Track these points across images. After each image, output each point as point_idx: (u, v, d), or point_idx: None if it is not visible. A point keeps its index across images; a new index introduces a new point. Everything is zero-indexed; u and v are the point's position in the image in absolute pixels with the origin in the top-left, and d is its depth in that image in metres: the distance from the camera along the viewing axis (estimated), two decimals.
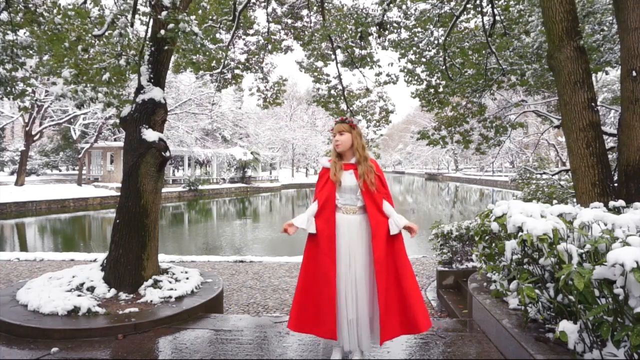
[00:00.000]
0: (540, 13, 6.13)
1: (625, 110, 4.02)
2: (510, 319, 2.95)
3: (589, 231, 2.63)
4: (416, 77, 9.05)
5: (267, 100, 10.47)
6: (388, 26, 8.42)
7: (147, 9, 4.51)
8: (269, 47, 9.62)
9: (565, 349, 2.40)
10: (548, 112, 12.26)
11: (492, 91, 8.78)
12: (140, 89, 4.48)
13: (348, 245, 2.74)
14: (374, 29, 8.27)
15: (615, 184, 4.17)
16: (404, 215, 2.90)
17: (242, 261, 8.49)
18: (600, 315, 2.14)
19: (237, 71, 9.83)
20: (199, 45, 4.02)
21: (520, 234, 2.61)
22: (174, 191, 30.61)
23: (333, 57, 9.26)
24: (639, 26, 3.91)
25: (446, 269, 5.66)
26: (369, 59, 9.05)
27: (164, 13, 3.95)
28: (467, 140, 9.05)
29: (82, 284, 4.13)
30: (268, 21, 9.47)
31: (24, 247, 13.54)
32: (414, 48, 8.67)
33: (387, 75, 9.29)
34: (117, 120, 4.98)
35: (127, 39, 4.24)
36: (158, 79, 4.58)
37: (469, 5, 8.13)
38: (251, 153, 39.71)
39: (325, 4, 9.16)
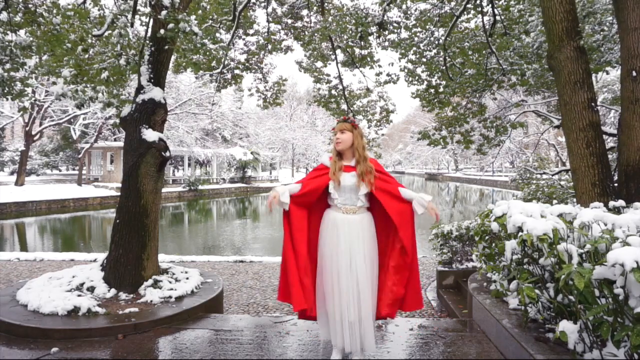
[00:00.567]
0: (540, 13, 6.13)
1: (625, 110, 4.02)
2: (510, 319, 2.95)
3: (589, 231, 2.63)
4: (417, 77, 9.05)
5: (267, 100, 10.47)
6: (388, 26, 8.42)
7: (147, 9, 4.51)
8: (269, 47, 9.62)
9: (565, 349, 2.40)
10: (548, 112, 12.25)
11: (492, 91, 8.78)
12: (140, 89, 4.48)
13: (349, 247, 2.72)
14: (374, 29, 8.27)
15: (615, 184, 4.17)
16: None
17: (242, 261, 8.49)
18: (600, 315, 2.14)
19: (237, 71, 9.82)
20: (199, 45, 4.02)
21: (520, 234, 2.61)
22: (174, 191, 30.60)
23: (333, 57, 9.27)
24: (639, 26, 3.90)
25: (446, 269, 5.66)
26: (369, 59, 9.06)
27: (164, 13, 3.95)
28: (468, 141, 9.05)
29: (82, 284, 4.13)
30: (268, 21, 9.47)
31: (24, 247, 13.54)
32: (414, 48, 8.67)
33: (388, 75, 9.30)
34: (117, 120, 4.98)
35: (127, 39, 4.23)
36: (158, 79, 4.58)
37: (469, 5, 8.14)
38: (251, 153, 39.71)
39: (325, 4, 9.16)
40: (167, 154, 4.45)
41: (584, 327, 2.30)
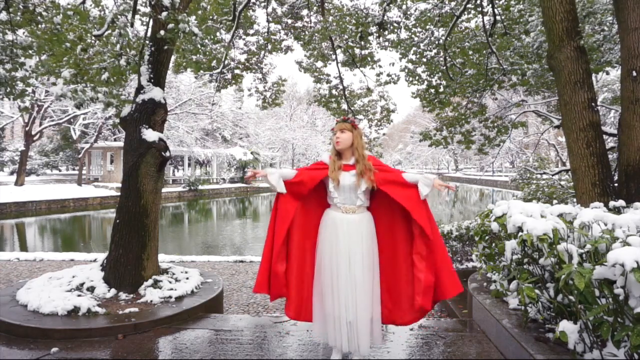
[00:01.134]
0: (540, 13, 6.13)
1: (625, 110, 4.02)
2: (510, 319, 2.95)
3: (589, 231, 2.63)
4: (417, 77, 9.06)
5: (267, 100, 10.47)
6: (388, 26, 8.42)
7: (147, 9, 4.51)
8: (269, 47, 9.62)
9: (565, 349, 2.39)
10: (548, 112, 12.25)
11: (492, 91, 8.78)
12: (140, 89, 4.48)
13: (347, 247, 2.71)
14: (374, 29, 8.28)
15: (616, 184, 4.17)
16: None
17: (242, 261, 8.48)
18: (600, 315, 2.14)
19: (237, 71, 9.82)
20: (199, 46, 4.02)
21: (520, 234, 2.61)
22: (174, 191, 30.59)
23: (333, 57, 9.27)
24: (639, 26, 3.91)
25: None
26: (369, 59, 9.06)
27: (164, 13, 3.95)
28: (468, 141, 9.05)
29: (82, 284, 4.13)
30: (268, 21, 9.47)
31: (24, 247, 13.53)
32: (415, 48, 8.67)
33: (388, 75, 9.30)
34: (117, 120, 4.98)
35: (127, 39, 4.23)
36: (158, 79, 4.58)
37: (469, 5, 8.14)
38: (251, 153, 39.71)
39: (325, 4, 9.16)
40: (167, 154, 4.45)
41: (584, 327, 2.30)
